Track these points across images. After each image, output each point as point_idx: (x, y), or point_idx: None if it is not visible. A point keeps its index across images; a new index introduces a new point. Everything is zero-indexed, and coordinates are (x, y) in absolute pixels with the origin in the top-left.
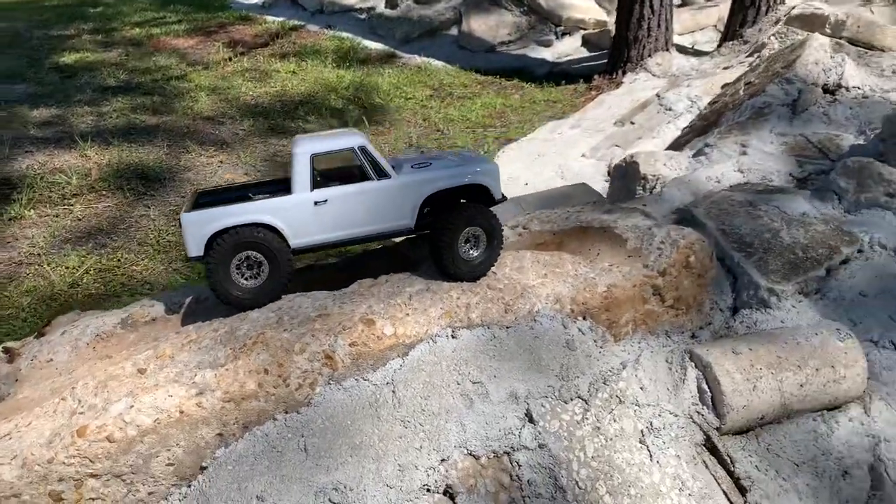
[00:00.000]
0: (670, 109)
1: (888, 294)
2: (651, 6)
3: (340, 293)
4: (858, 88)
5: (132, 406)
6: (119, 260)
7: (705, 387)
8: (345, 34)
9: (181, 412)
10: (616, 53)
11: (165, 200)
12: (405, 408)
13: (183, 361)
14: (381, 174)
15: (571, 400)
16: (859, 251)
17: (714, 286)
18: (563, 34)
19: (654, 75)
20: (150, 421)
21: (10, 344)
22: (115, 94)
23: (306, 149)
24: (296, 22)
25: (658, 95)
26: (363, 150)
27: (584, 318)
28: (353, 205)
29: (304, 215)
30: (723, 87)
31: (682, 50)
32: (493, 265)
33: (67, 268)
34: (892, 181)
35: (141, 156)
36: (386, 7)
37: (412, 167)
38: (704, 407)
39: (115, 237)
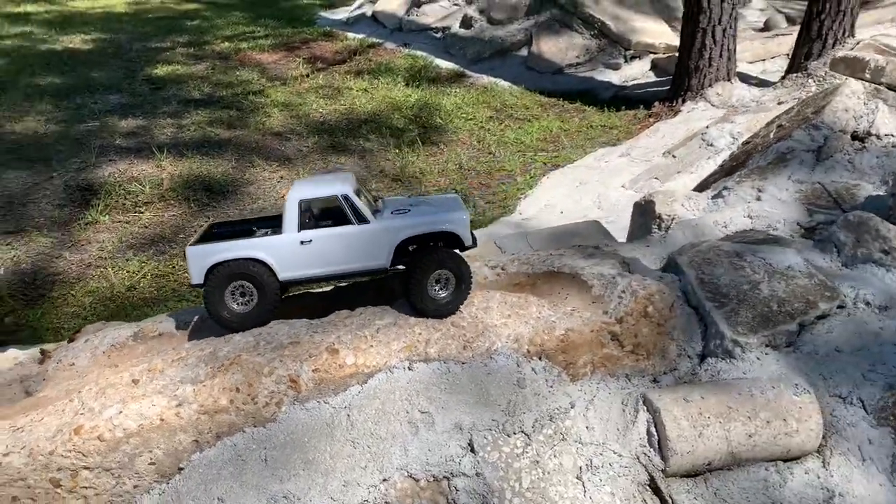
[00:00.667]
0: (712, 145)
1: (864, 351)
2: (713, 36)
3: (317, 322)
4: (891, 136)
5: (121, 412)
6: (174, 267)
7: (654, 430)
8: (419, 53)
9: (162, 420)
10: (677, 81)
11: (225, 213)
12: (357, 430)
13: (170, 376)
14: (361, 220)
15: (514, 434)
16: (840, 307)
17: (682, 333)
18: (633, 58)
19: (712, 105)
20: (135, 425)
21: (45, 346)
22: (196, 107)
23: (296, 195)
24: (374, 39)
25: (707, 129)
26: (346, 198)
27: (540, 359)
28: (335, 245)
29: (292, 253)
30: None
31: (745, 79)
32: (461, 305)
33: (128, 272)
34: (889, 238)
35: (210, 168)
36: (460, 27)
37: (392, 213)
38: (651, 449)
39: (174, 245)
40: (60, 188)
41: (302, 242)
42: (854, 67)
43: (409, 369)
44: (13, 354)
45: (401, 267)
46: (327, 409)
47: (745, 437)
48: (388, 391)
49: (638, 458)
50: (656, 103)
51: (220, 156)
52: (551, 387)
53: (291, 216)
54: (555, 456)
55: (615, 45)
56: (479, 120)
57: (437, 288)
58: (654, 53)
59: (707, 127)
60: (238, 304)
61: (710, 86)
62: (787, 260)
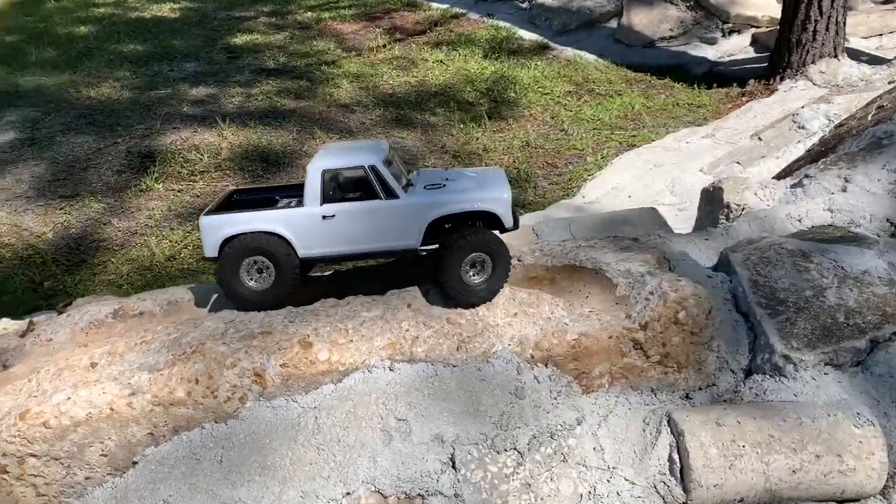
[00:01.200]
0: (803, 128)
1: None
2: (819, 7)
3: (297, 311)
4: None
5: (69, 398)
6: None
7: (676, 456)
8: (502, 24)
9: (111, 409)
10: (776, 57)
11: (275, 182)
12: (323, 434)
13: (129, 361)
14: (390, 194)
15: (505, 451)
16: None
17: (726, 344)
18: (731, 32)
19: (815, 84)
20: (83, 413)
21: (35, 318)
22: (268, 77)
23: (318, 164)
24: (458, 10)
25: (800, 109)
26: (373, 169)
27: (546, 366)
28: (360, 222)
29: (313, 228)
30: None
31: (856, 56)
32: (497, 293)
33: (170, 241)
34: None
35: (271, 139)
36: None
37: (425, 187)
38: (672, 478)
39: None
40: (122, 154)
41: (324, 217)
42: None
43: (390, 370)
44: (2, 325)
45: (432, 247)
46: (295, 409)
47: (787, 472)
48: (364, 393)
49: (655, 488)
50: (751, 81)
51: (282, 126)
52: (555, 398)
53: (313, 188)
54: (551, 479)
55: (712, 17)
56: (556, 95)
57: (471, 273)
58: (756, 27)
59: (801, 107)
60: (254, 280)
61: (814, 62)
62: (864, 263)
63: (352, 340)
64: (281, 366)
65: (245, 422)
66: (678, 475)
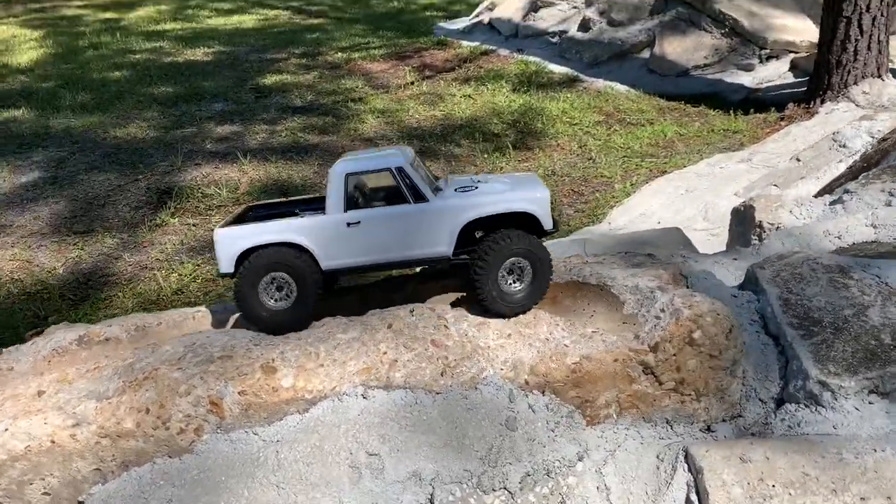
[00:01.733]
0: (844, 146)
1: None
2: (860, 26)
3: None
4: None
5: (7, 429)
6: None
7: (694, 497)
8: (532, 58)
9: (52, 441)
10: (815, 79)
11: None
12: (284, 472)
13: (77, 388)
14: (419, 197)
15: (494, 491)
16: None
17: (753, 370)
18: (769, 57)
19: (858, 105)
20: (21, 447)
21: (7, 348)
22: (294, 114)
23: (341, 168)
24: (488, 46)
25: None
26: (400, 171)
27: (543, 393)
28: (387, 228)
29: (336, 237)
30: None
31: None
32: (538, 301)
33: (179, 275)
34: None
35: (291, 172)
36: (578, 30)
37: (455, 191)
38: None
39: None
40: (142, 191)
41: (349, 224)
42: None
43: (364, 397)
44: None
45: (465, 257)
46: (255, 443)
47: None
48: (332, 424)
49: None
50: (790, 105)
51: (304, 161)
52: (553, 430)
53: (337, 193)
54: None
55: (748, 44)
56: (585, 125)
57: (510, 280)
58: (795, 53)
59: (843, 126)
60: (274, 299)
61: (856, 83)
62: None
63: (322, 365)
64: (240, 393)
65: (200, 456)
66: None
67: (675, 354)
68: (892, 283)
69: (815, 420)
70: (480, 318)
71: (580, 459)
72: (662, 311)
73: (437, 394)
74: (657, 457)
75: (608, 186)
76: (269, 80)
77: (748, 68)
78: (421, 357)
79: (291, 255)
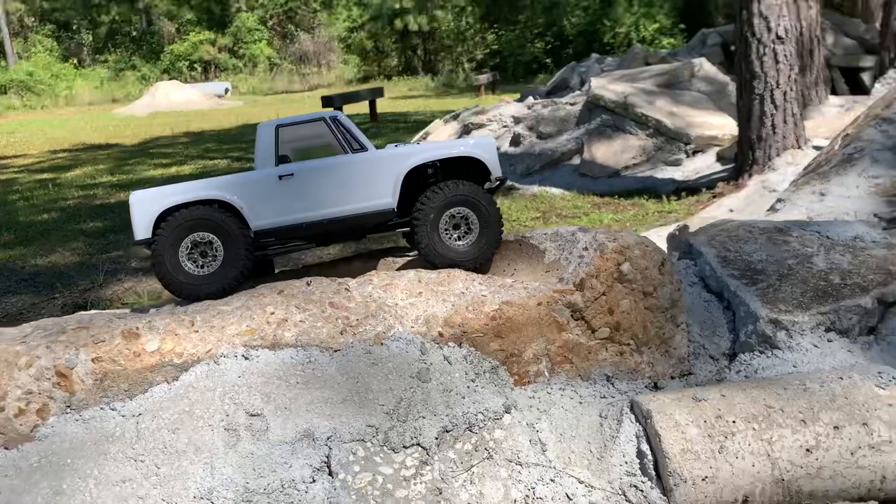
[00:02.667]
0: (774, 190)
1: None
2: (773, 101)
3: (142, 308)
4: None
5: None
6: None
7: (646, 447)
8: None
9: None
10: (741, 157)
11: None
12: (143, 443)
13: None
14: (358, 147)
15: (404, 448)
16: None
17: (700, 326)
18: (696, 152)
19: (782, 175)
20: None
21: None
22: None
23: (271, 123)
24: None
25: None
26: (335, 119)
27: (460, 345)
28: (323, 179)
29: (268, 192)
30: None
31: (820, 148)
32: (489, 256)
33: None
34: None
35: None
36: (510, 146)
37: (396, 146)
38: (645, 478)
39: None
40: (58, 308)
41: (280, 178)
42: None
43: (245, 358)
44: None
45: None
46: (113, 419)
47: (800, 453)
48: (206, 389)
49: (623, 494)
50: (720, 184)
51: None
52: (474, 381)
53: (267, 147)
54: (471, 482)
55: (674, 141)
56: (523, 220)
57: (453, 234)
58: (719, 145)
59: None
60: (197, 265)
61: (779, 155)
62: (852, 230)
63: (197, 330)
64: (94, 360)
65: (43, 443)
66: (652, 472)
67: (604, 293)
68: (832, 235)
69: (772, 364)
70: (387, 280)
71: (507, 412)
72: (586, 248)
73: (336, 351)
74: (600, 415)
75: None
76: None
77: (676, 163)
78: (316, 317)
79: (216, 213)
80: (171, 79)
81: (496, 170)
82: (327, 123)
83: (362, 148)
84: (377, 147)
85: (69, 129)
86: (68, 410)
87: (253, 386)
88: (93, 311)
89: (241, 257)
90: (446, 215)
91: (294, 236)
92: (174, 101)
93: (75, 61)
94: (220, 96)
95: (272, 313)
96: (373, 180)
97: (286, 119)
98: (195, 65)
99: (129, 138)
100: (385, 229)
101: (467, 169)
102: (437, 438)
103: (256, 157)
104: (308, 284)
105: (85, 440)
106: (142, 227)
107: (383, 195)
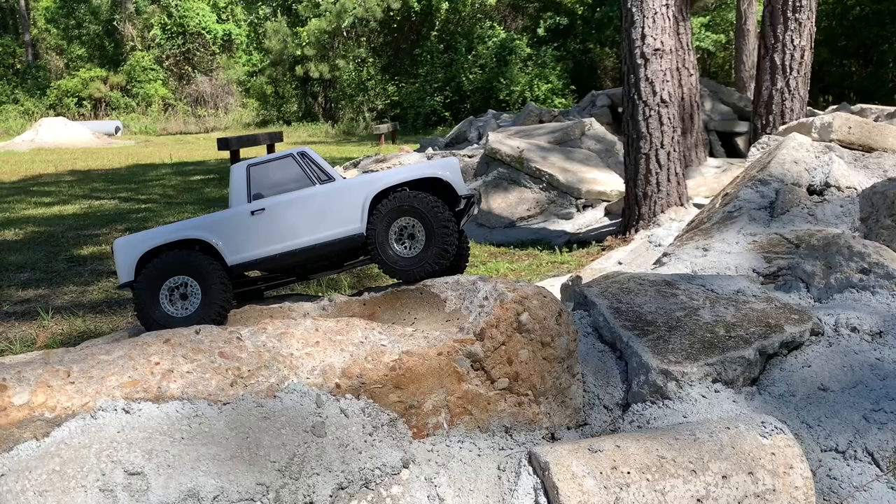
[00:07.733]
0: (659, 245)
1: (861, 388)
2: (657, 160)
3: (31, 358)
4: (855, 189)
5: None
6: None
7: (544, 501)
8: None
9: None
10: (628, 212)
11: None
12: None
13: None
14: (325, 179)
15: None
16: (815, 333)
17: (594, 375)
18: (585, 206)
19: (667, 230)
20: None
21: None
22: (111, 276)
23: (242, 163)
24: None
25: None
26: (303, 155)
27: (358, 397)
28: (295, 211)
29: (241, 227)
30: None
31: (701, 206)
32: (437, 267)
33: None
34: (866, 254)
35: (100, 324)
36: None
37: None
38: None
39: None
40: None
41: (253, 213)
42: (800, 131)
43: (126, 412)
44: None
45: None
46: None
47: (691, 503)
48: (81, 445)
49: None
50: (608, 237)
51: (117, 313)
52: (371, 435)
53: (239, 187)
54: None
55: (565, 195)
56: None
57: (398, 246)
58: (607, 201)
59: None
60: (176, 307)
61: (663, 212)
62: (734, 284)
63: (72, 382)
64: None
65: None
66: None
67: (503, 343)
68: (717, 289)
69: (663, 414)
70: (282, 329)
71: (405, 466)
72: (486, 298)
73: (225, 404)
74: (498, 467)
75: None
76: (86, 251)
77: (568, 217)
78: (205, 368)
79: (191, 254)
80: (57, 115)
81: (461, 188)
82: (295, 159)
83: (329, 178)
84: None
85: None
86: None
87: (133, 442)
88: None
89: (218, 294)
90: (395, 226)
91: (270, 268)
92: (60, 139)
93: None
94: (110, 135)
95: (157, 363)
96: (340, 207)
97: (256, 159)
98: (84, 101)
99: (6, 174)
100: (361, 255)
101: (435, 191)
102: (331, 496)
103: (230, 195)
104: (197, 333)
105: None
106: (125, 271)
107: (351, 221)
